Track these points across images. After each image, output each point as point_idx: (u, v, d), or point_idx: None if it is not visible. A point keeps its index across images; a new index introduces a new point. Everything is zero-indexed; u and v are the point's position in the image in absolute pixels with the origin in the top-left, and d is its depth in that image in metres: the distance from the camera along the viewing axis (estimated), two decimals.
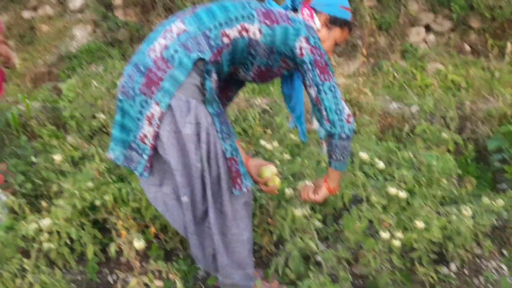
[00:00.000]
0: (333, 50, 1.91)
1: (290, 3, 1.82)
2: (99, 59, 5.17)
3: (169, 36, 1.60)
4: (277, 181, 1.84)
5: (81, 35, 5.43)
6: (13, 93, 4.22)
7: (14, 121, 3.55)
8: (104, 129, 3.50)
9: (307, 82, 1.71)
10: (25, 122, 3.68)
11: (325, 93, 1.69)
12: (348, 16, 1.81)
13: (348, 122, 1.72)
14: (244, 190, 1.69)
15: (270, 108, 3.92)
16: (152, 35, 1.67)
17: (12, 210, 2.24)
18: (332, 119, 1.70)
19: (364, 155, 2.49)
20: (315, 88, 1.69)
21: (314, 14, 1.78)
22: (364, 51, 5.15)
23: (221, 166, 1.65)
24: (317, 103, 1.71)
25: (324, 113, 1.71)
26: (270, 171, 1.84)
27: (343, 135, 1.72)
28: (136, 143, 1.63)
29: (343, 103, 1.73)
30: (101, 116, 3.55)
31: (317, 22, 1.77)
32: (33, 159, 2.77)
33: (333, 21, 1.79)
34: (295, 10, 1.82)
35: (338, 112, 1.70)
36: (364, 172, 2.51)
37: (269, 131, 3.57)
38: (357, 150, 2.74)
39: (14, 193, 2.40)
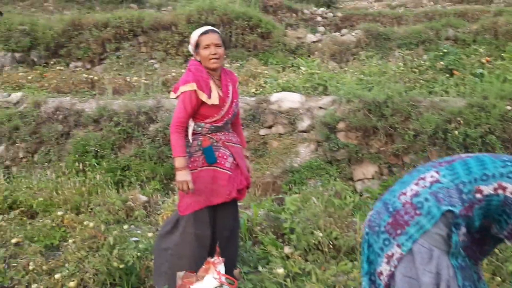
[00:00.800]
0: None
1: None
2: (317, 175, 5.58)
3: (421, 184, 1.67)
4: None
5: (305, 152, 6.03)
6: (245, 199, 4.83)
7: (244, 226, 4.02)
8: (319, 247, 3.65)
9: None
10: (251, 228, 4.12)
11: None
12: None
13: None
14: None
15: (499, 251, 3.49)
16: (406, 178, 1.77)
17: None
18: None
19: None
20: None
21: None
22: None
23: None
24: None
25: None
26: None
27: None
28: (375, 277, 1.68)
29: None
30: (318, 233, 3.72)
31: None
32: (259, 268, 3.06)
33: None
34: None
35: None
36: None
37: (497, 278, 3.14)
38: None
39: None
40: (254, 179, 5.80)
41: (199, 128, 2.86)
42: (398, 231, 1.61)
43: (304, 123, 6.21)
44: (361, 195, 5.14)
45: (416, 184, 1.69)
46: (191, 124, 2.85)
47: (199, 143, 2.85)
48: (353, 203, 4.43)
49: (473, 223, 1.62)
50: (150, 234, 3.83)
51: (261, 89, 7.25)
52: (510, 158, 1.67)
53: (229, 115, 2.93)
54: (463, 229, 1.60)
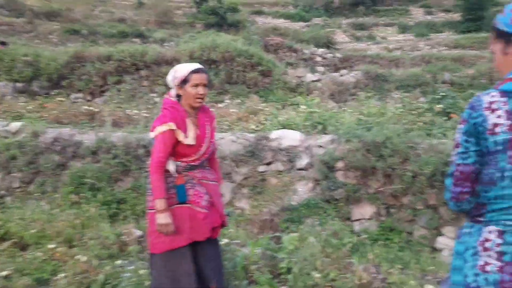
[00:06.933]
0: None
1: None
2: (315, 214, 5.52)
3: None
4: None
5: (303, 190, 5.98)
6: (242, 237, 4.75)
7: (240, 264, 3.93)
8: None
9: None
10: (247, 266, 4.04)
11: None
12: None
13: None
14: None
15: None
16: None
17: None
18: None
19: None
20: None
21: None
22: None
23: None
24: None
25: None
26: None
27: None
28: None
29: None
30: (315, 274, 3.65)
31: None
32: None
33: None
34: None
35: None
36: None
37: None
38: None
39: None
40: (252, 216, 5.73)
41: (175, 166, 2.83)
42: None
43: (303, 161, 6.20)
44: (359, 236, 5.08)
45: None
46: (170, 163, 2.82)
47: (173, 180, 2.82)
48: (351, 244, 4.36)
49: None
50: (142, 271, 3.74)
51: (261, 126, 7.29)
52: None
53: (206, 155, 2.91)
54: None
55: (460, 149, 1.56)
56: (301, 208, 5.66)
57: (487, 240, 1.50)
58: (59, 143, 6.79)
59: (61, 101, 9.17)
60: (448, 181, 1.59)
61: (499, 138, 1.47)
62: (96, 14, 22.30)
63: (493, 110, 1.50)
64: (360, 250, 4.70)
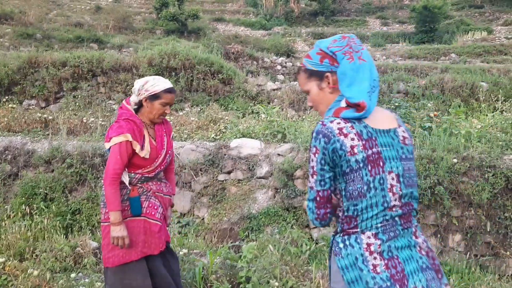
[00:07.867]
0: None
1: None
2: (275, 222, 5.57)
3: None
4: None
5: (262, 198, 6.02)
6: (201, 246, 4.73)
7: (199, 275, 3.91)
8: None
9: None
10: (206, 276, 4.02)
11: None
12: None
13: None
14: None
15: None
16: None
17: None
18: None
19: None
20: None
21: None
22: None
23: None
24: None
25: None
26: None
27: None
28: None
29: None
30: (274, 283, 3.68)
31: None
32: None
33: None
34: None
35: None
36: None
37: None
38: None
39: None
40: (211, 225, 5.71)
41: (129, 178, 2.82)
42: None
43: (263, 170, 6.24)
44: (317, 243, 5.16)
45: None
46: (124, 174, 2.80)
47: (128, 192, 2.81)
48: (309, 251, 4.43)
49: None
50: (98, 284, 3.65)
51: (221, 134, 7.28)
52: None
53: (162, 167, 2.92)
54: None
55: (317, 177, 1.72)
56: (260, 216, 5.69)
57: (369, 244, 1.67)
58: (10, 152, 6.52)
59: (13, 108, 8.81)
60: (311, 204, 1.76)
61: (359, 156, 1.66)
62: (51, 18, 21.60)
63: (345, 135, 1.68)
64: (318, 257, 4.78)
